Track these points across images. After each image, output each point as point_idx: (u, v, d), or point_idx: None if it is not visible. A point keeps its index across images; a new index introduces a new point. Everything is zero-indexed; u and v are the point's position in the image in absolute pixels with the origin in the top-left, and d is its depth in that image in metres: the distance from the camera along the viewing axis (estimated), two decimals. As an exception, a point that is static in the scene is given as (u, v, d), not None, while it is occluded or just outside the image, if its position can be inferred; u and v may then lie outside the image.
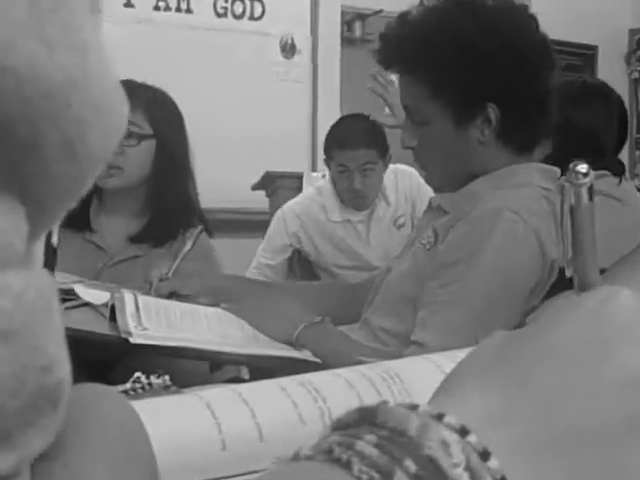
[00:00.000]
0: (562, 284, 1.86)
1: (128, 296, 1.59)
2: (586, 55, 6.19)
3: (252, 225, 4.10)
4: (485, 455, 0.37)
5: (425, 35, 1.84)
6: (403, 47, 1.87)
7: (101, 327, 1.52)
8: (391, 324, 1.84)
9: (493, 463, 0.37)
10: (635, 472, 0.39)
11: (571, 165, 0.48)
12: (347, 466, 0.36)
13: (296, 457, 0.38)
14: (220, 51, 5.11)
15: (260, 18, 5.31)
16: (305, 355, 1.60)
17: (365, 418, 0.38)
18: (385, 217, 3.61)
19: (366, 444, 0.37)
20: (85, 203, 2.41)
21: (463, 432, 0.37)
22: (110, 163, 2.28)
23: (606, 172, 2.63)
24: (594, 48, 6.24)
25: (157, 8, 5.03)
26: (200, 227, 2.36)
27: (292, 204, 3.67)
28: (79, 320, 1.54)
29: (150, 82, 2.45)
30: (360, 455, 0.36)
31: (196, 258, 2.27)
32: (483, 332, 0.46)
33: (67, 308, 1.60)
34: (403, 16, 1.88)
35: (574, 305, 0.45)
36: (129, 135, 2.31)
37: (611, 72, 6.32)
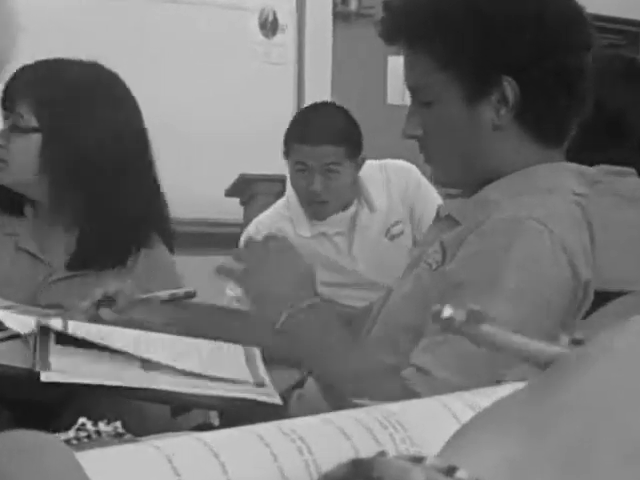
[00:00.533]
0: (596, 313, 1.85)
1: (55, 321, 1.59)
2: (630, 32, 6.22)
3: (223, 239, 4.10)
4: None
5: (434, 2, 1.88)
6: (410, 16, 1.90)
7: (26, 361, 1.53)
8: (391, 358, 1.84)
9: None
10: None
11: (434, 308, 0.49)
12: None
13: None
14: (187, 28, 5.13)
15: (235, -11, 5.34)
16: (274, 399, 1.61)
17: (359, 473, 0.38)
18: (372, 226, 3.55)
19: None
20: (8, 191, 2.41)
21: None
22: None
23: (631, 170, 2.56)
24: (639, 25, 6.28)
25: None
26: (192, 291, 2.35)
27: (262, 218, 3.64)
28: (7, 354, 1.55)
29: (99, 63, 2.45)
30: None
31: (154, 279, 2.27)
32: (503, 369, 0.45)
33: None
34: None
35: (605, 343, 0.45)
36: (15, 126, 2.32)
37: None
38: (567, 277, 1.77)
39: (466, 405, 0.61)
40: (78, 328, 1.62)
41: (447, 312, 0.49)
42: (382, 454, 0.39)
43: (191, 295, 2.12)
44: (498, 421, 0.43)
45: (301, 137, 3.41)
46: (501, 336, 0.56)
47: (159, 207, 2.45)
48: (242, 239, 3.45)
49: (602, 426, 0.41)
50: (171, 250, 2.43)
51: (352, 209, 3.55)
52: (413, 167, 3.51)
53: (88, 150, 2.36)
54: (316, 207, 3.48)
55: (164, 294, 2.08)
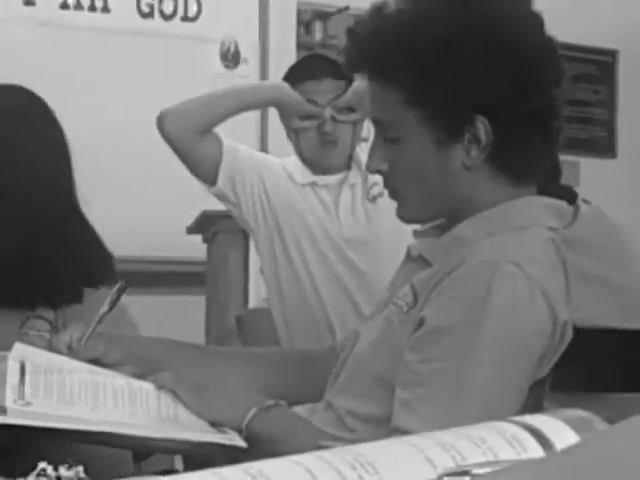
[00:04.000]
0: (576, 349, 1.87)
1: (12, 364, 1.60)
2: (603, 62, 6.26)
3: (185, 278, 4.09)
4: None
5: (403, 31, 1.84)
6: (375, 45, 1.86)
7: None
8: (361, 407, 1.83)
9: None
10: None
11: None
12: None
13: None
14: (145, 60, 5.13)
15: (195, 19, 5.35)
16: (234, 439, 1.63)
17: None
18: (357, 185, 3.51)
19: None
20: None
21: None
22: None
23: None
24: (613, 53, 6.31)
25: (65, 6, 5.03)
26: (120, 284, 2.34)
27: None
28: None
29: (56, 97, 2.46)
30: None
31: (119, 319, 2.26)
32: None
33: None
34: (377, 9, 1.87)
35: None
36: None
37: (635, 84, 6.40)
38: (546, 321, 1.76)
39: (438, 445, 0.61)
40: (36, 367, 1.63)
41: None
42: None
43: (123, 289, 2.11)
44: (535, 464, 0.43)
45: (301, 77, 3.41)
46: None
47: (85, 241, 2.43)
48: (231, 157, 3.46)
49: None
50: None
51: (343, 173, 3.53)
52: None
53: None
54: (325, 154, 3.44)
55: (103, 309, 2.08)
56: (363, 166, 3.42)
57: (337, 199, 3.49)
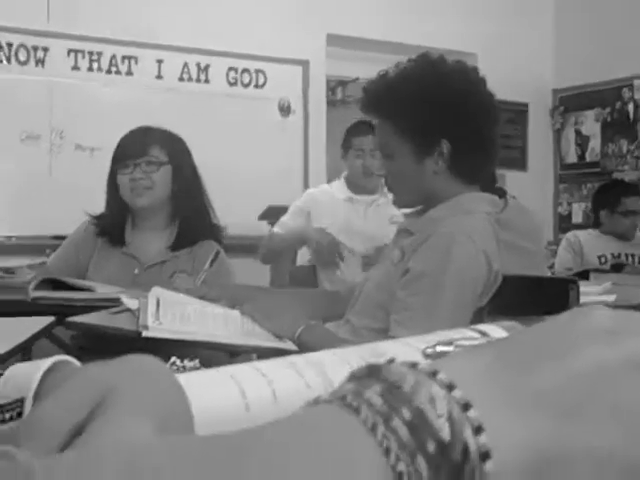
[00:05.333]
0: (504, 289, 1.86)
1: (151, 299, 1.61)
2: (519, 110, 6.22)
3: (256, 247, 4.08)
4: (466, 407, 0.36)
5: (397, 88, 1.86)
6: (380, 97, 1.88)
7: (134, 325, 1.55)
8: (369, 323, 1.84)
9: (472, 413, 0.36)
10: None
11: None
12: (357, 411, 0.36)
13: (317, 401, 0.38)
14: (232, 113, 5.10)
15: (263, 86, 5.31)
16: (289, 345, 1.63)
17: (372, 373, 0.38)
18: (384, 208, 3.50)
19: (373, 393, 0.36)
20: (120, 223, 2.43)
21: (450, 387, 0.37)
22: (141, 185, 2.33)
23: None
24: (525, 105, 6.26)
25: (182, 79, 5.02)
26: (216, 249, 2.36)
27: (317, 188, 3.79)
28: (120, 321, 1.57)
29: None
30: (367, 402, 0.36)
31: (217, 272, 2.28)
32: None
33: (113, 313, 1.62)
34: (383, 74, 1.89)
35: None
36: (150, 163, 2.35)
37: (539, 124, 6.37)
38: (485, 269, 1.78)
39: (423, 341, 0.60)
40: (166, 300, 1.63)
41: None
42: (389, 361, 0.38)
43: (218, 252, 2.26)
44: (477, 347, 0.42)
45: (355, 131, 3.56)
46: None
47: (211, 210, 2.50)
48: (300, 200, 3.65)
49: (547, 348, 0.40)
50: (218, 242, 2.48)
51: (377, 195, 3.58)
52: None
53: (194, 176, 2.51)
54: (367, 180, 3.52)
55: (206, 265, 2.15)
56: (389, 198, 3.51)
57: (366, 214, 3.57)
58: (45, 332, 1.57)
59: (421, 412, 0.35)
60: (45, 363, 0.54)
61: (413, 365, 0.38)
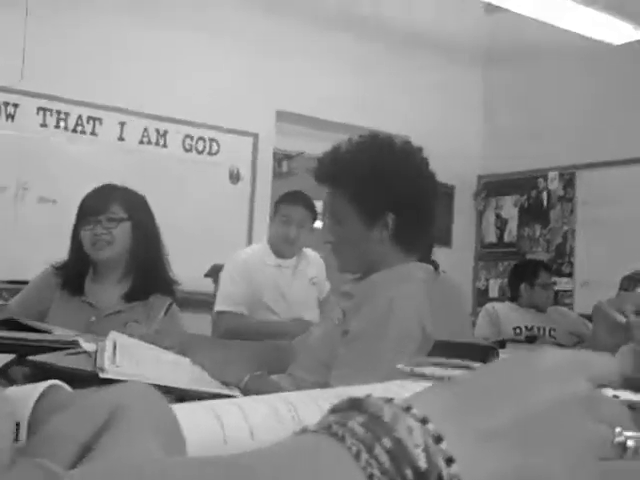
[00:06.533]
0: (433, 351, 1.87)
1: (108, 343, 1.58)
2: (446, 192, 6.34)
3: (202, 304, 4.03)
4: (439, 439, 0.37)
5: (349, 160, 1.87)
6: (333, 168, 1.89)
7: (90, 366, 1.52)
8: (310, 377, 1.83)
9: (444, 445, 0.37)
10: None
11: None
12: (342, 439, 0.37)
13: (303, 430, 0.38)
14: (186, 176, 5.10)
15: (216, 154, 5.32)
16: (236, 393, 1.61)
17: (354, 406, 0.39)
18: (305, 271, 3.52)
19: (355, 424, 0.37)
20: (81, 274, 2.41)
21: (424, 421, 0.38)
22: (102, 239, 2.32)
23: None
24: (452, 187, 6.39)
25: (142, 142, 5.01)
26: (169, 301, 2.35)
27: (246, 250, 3.72)
28: (76, 362, 1.54)
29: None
30: (351, 431, 0.37)
31: (170, 321, 2.26)
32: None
33: (70, 354, 1.58)
34: (337, 147, 1.90)
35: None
36: (111, 219, 2.35)
37: (463, 205, 6.50)
38: (419, 332, 1.78)
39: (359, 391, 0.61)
40: (123, 345, 1.60)
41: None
42: (368, 396, 0.39)
43: (171, 303, 2.26)
44: (444, 385, 0.43)
45: (285, 200, 3.49)
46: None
47: (167, 264, 2.49)
48: (230, 262, 3.56)
49: (506, 387, 0.42)
50: (172, 295, 2.46)
51: (296, 259, 3.54)
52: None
53: (152, 232, 2.50)
54: (287, 247, 3.46)
55: (160, 314, 2.13)
56: (310, 261, 3.50)
57: (293, 278, 3.52)
58: (3, 370, 1.53)
59: (400, 442, 0.36)
60: (38, 388, 0.53)
61: (389, 400, 0.39)
